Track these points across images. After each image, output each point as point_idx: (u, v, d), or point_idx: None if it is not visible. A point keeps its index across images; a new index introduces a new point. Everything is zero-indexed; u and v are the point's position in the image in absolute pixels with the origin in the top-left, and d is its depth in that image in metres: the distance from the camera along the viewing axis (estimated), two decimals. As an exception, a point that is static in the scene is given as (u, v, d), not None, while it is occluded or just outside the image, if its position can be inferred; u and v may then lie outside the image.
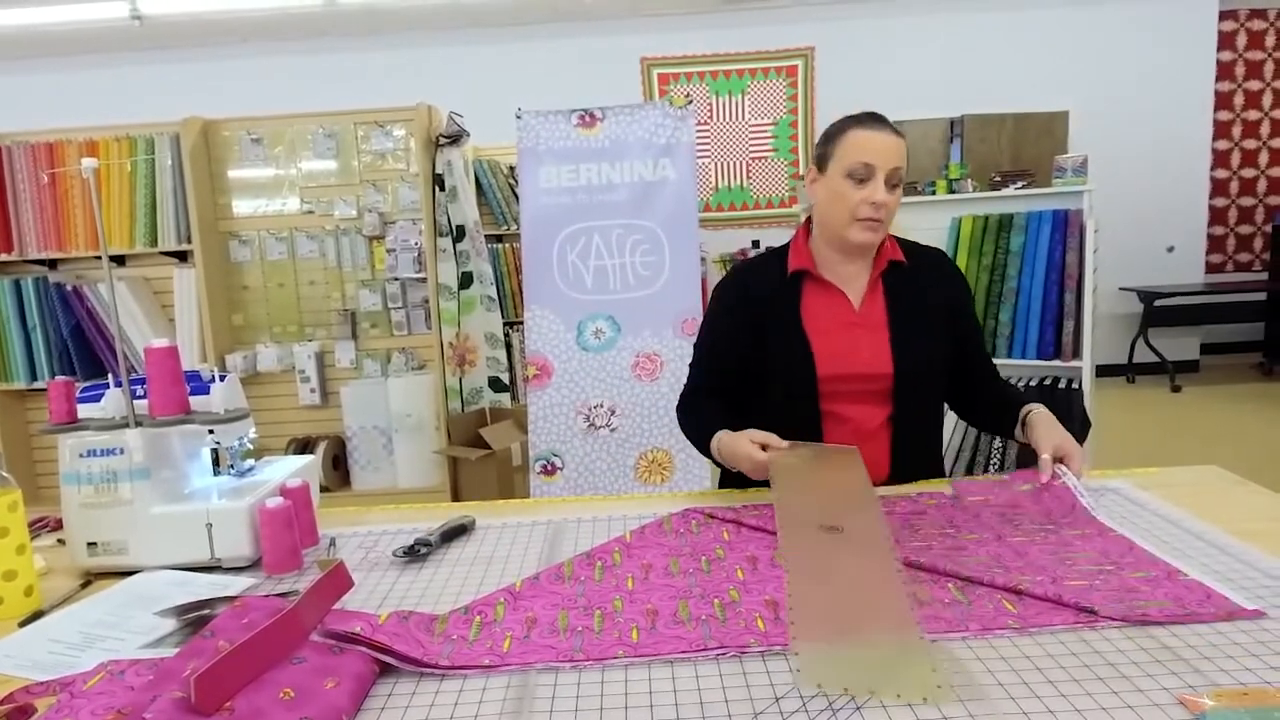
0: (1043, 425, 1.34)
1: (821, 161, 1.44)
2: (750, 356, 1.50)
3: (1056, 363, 3.00)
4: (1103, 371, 5.47)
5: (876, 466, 1.44)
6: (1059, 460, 1.28)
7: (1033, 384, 3.00)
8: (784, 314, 1.47)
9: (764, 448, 1.29)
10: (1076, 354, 2.97)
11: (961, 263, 3.15)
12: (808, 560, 0.94)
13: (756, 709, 0.78)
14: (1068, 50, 5.91)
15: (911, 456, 1.47)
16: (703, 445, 1.44)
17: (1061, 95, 5.77)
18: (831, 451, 1.33)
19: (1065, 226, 2.97)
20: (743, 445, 1.31)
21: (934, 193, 3.34)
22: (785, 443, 1.29)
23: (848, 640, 0.84)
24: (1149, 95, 5.93)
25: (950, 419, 2.76)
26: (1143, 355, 5.90)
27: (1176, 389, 5.66)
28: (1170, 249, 6.15)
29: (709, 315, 1.58)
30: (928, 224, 3.26)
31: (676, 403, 1.60)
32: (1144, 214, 6.00)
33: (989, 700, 0.77)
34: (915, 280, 1.49)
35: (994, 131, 4.02)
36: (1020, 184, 3.24)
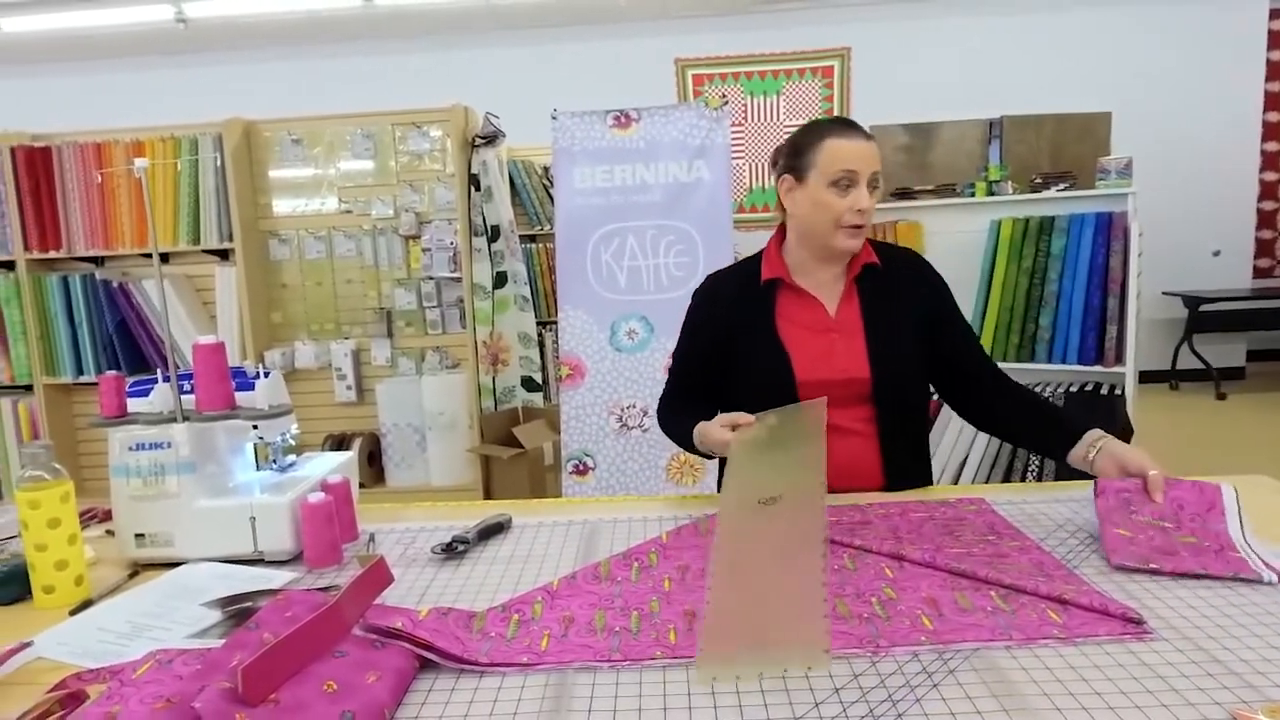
0: (1122, 452, 1.26)
1: (798, 171, 1.43)
2: (726, 365, 1.51)
3: (1098, 368, 2.94)
4: (1145, 378, 5.36)
5: (868, 469, 1.44)
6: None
7: (1073, 390, 2.95)
8: (758, 322, 1.48)
9: (735, 428, 1.29)
10: (1119, 360, 2.91)
11: (1001, 266, 3.10)
12: (734, 553, 0.94)
13: (796, 713, 0.77)
14: (1110, 50, 5.80)
15: (901, 457, 1.46)
16: (685, 441, 1.44)
17: (1104, 95, 5.62)
18: (796, 411, 1.29)
19: (1108, 229, 2.92)
20: (714, 431, 1.30)
21: (973, 195, 3.29)
22: (751, 417, 1.26)
23: (751, 654, 0.85)
24: (1195, 95, 5.79)
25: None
26: (1187, 361, 5.77)
27: (1222, 396, 5.52)
28: (1216, 253, 6.01)
29: (685, 323, 1.59)
30: (966, 227, 3.21)
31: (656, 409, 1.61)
32: (1189, 217, 5.86)
33: (1034, 711, 0.76)
34: (890, 283, 1.49)
35: (1034, 133, 3.95)
36: (1062, 186, 3.19)
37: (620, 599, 1.02)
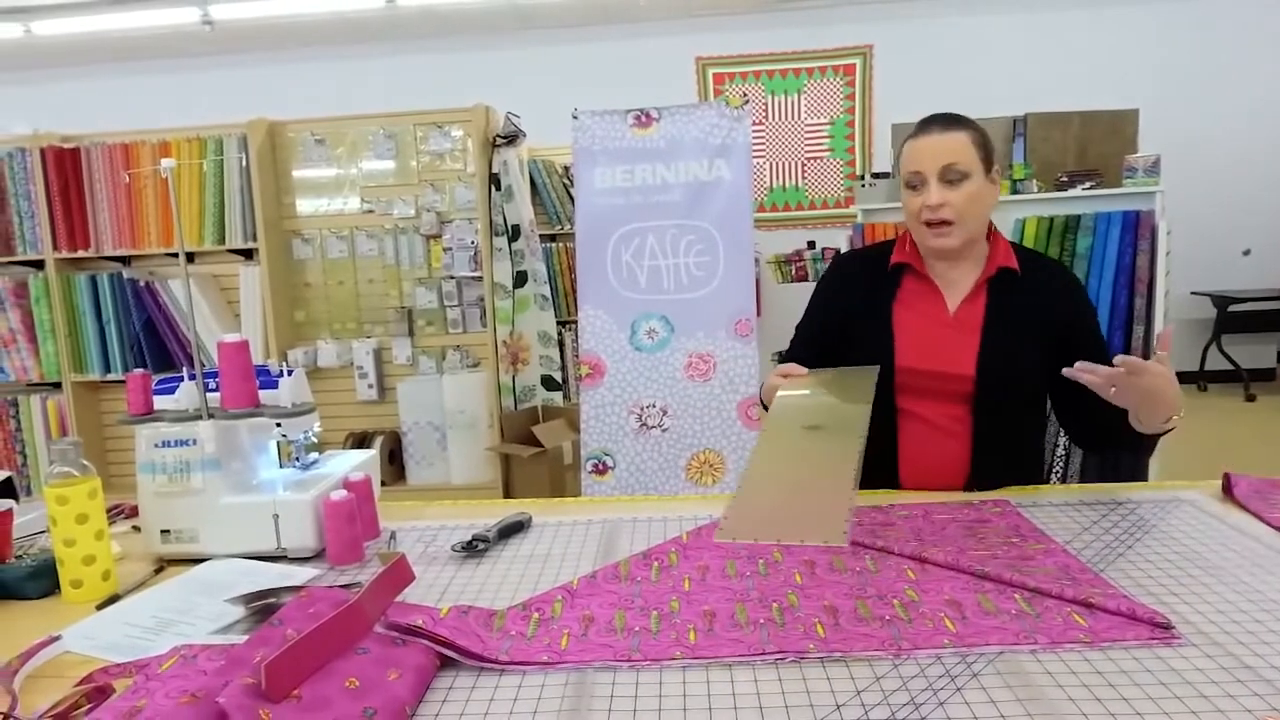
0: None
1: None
2: (842, 344, 1.52)
3: (1124, 369, 2.90)
4: (1171, 379, 5.28)
5: (956, 467, 1.42)
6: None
7: (1098, 390, 2.91)
8: (878, 304, 1.49)
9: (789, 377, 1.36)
10: (1146, 360, 2.87)
11: (1024, 265, 3.06)
12: (774, 449, 1.08)
13: (818, 715, 0.77)
14: (1138, 46, 5.72)
15: (994, 461, 1.42)
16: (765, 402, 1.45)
17: (1131, 92, 5.56)
18: (850, 372, 1.38)
19: (1135, 228, 2.87)
20: (771, 378, 1.37)
21: (996, 193, 3.26)
22: (805, 370, 1.37)
23: (773, 525, 0.91)
24: (1224, 92, 5.70)
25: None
26: (1215, 362, 5.68)
27: (1251, 398, 5.43)
28: (1246, 252, 5.91)
29: (813, 296, 1.62)
30: (989, 225, 3.18)
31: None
32: (1218, 216, 5.77)
33: (1060, 717, 0.75)
34: (1025, 290, 1.44)
35: (1059, 130, 3.90)
36: (1088, 184, 3.14)
37: (640, 599, 1.01)
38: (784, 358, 1.59)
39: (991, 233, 1.49)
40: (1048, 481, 2.86)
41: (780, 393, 1.33)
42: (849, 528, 0.93)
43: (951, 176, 1.36)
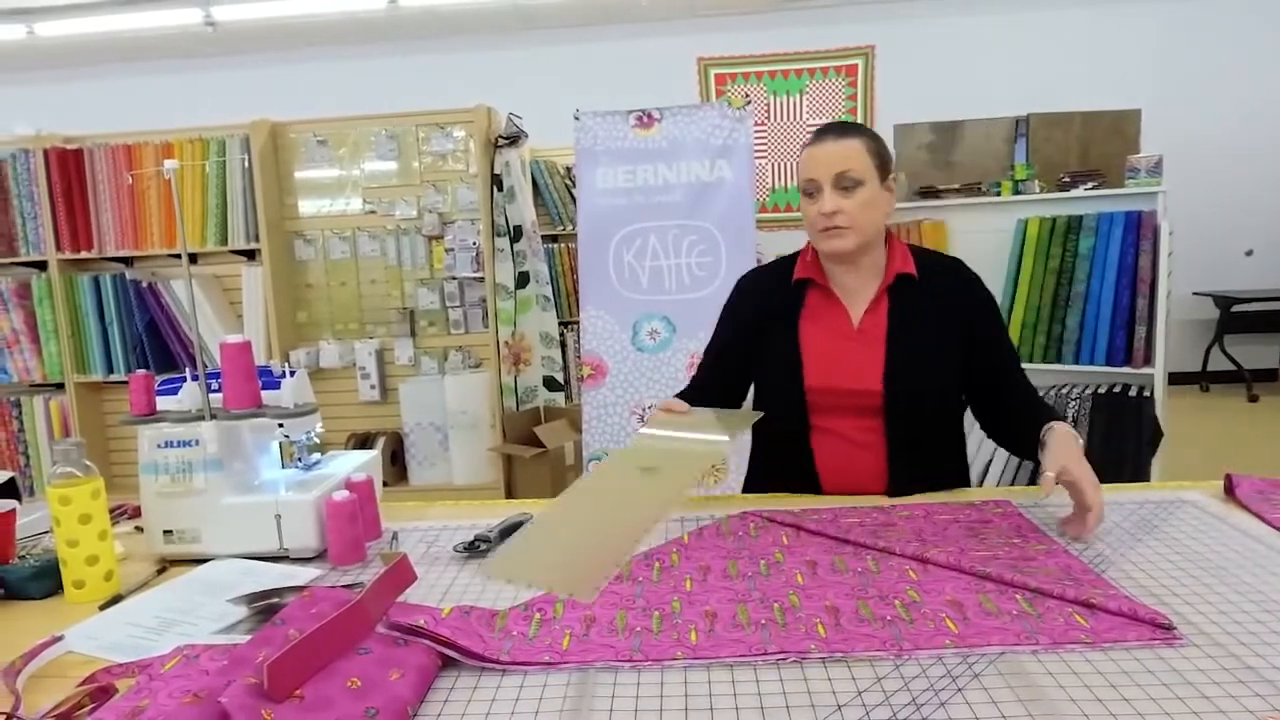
0: (1056, 444, 1.22)
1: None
2: (748, 361, 1.52)
3: (1127, 370, 2.89)
4: (1176, 380, 5.25)
5: (873, 477, 1.41)
6: (1074, 495, 1.17)
7: (1101, 392, 2.91)
8: (784, 323, 1.48)
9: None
10: (1148, 361, 2.86)
11: (1027, 266, 3.06)
12: (587, 488, 1.04)
13: (819, 716, 0.77)
14: (1140, 46, 5.71)
15: (910, 470, 1.40)
16: None
17: (1133, 92, 5.56)
18: (727, 415, 1.37)
19: (1138, 229, 2.87)
20: (654, 414, 1.35)
21: (999, 194, 3.26)
22: (686, 406, 1.37)
23: (535, 568, 0.91)
24: (1227, 92, 5.69)
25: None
26: (1218, 363, 5.67)
27: (1254, 399, 5.42)
28: (1249, 252, 5.90)
29: (720, 318, 1.60)
30: (992, 226, 3.18)
31: None
32: (1221, 216, 5.76)
33: (1061, 717, 0.75)
34: (925, 294, 1.44)
35: (1062, 131, 3.90)
36: (1090, 185, 3.14)
37: (641, 599, 1.02)
38: (694, 379, 1.59)
39: (889, 240, 1.48)
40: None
41: (642, 429, 1.29)
42: (601, 585, 0.91)
43: (845, 184, 1.36)
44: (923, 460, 1.42)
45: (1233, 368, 5.58)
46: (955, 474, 1.49)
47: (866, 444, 1.42)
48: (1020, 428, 1.37)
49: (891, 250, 1.47)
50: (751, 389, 1.58)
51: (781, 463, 1.49)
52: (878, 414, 1.41)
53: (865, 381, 1.41)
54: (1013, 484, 2.96)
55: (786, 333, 1.47)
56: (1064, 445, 1.22)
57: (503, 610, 0.99)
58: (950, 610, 0.95)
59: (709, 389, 1.54)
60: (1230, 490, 1.31)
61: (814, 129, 1.47)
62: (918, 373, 1.41)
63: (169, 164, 1.20)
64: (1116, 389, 2.91)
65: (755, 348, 1.51)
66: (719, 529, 1.25)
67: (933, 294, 1.45)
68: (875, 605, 0.97)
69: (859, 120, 5.95)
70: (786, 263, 1.55)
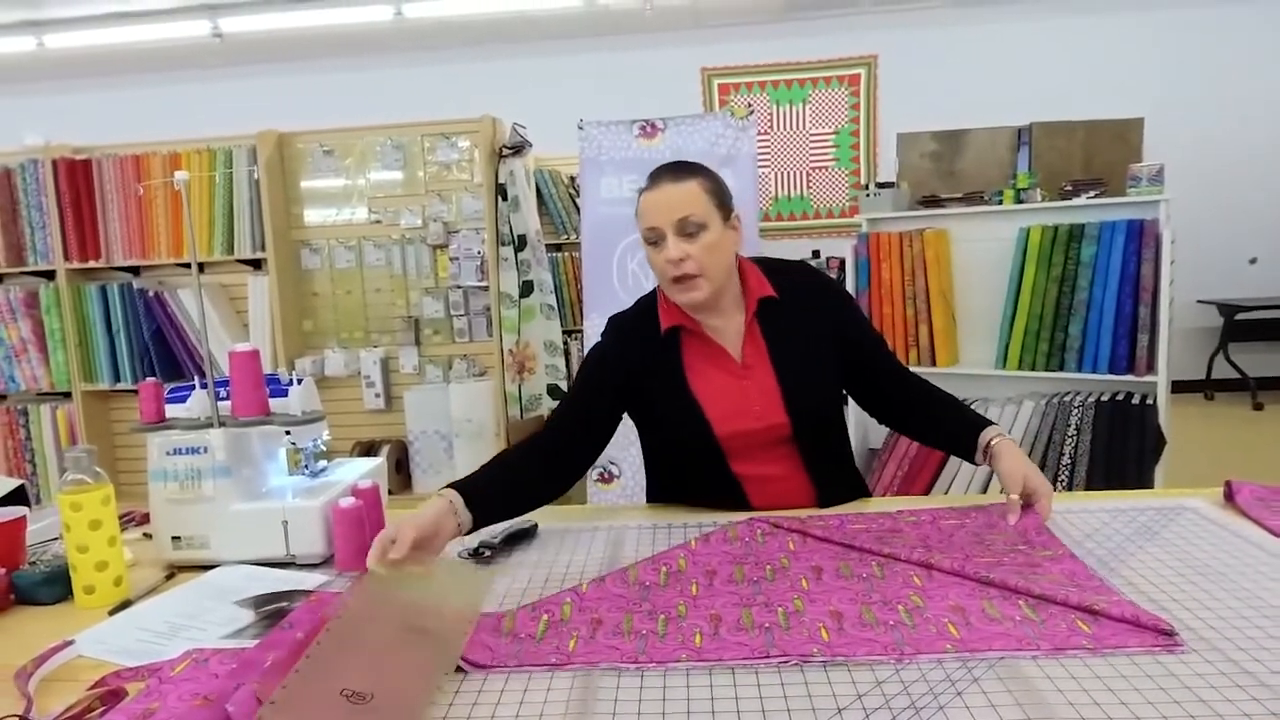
0: (1008, 458, 1.28)
1: None
2: (638, 418, 1.47)
3: (1130, 378, 2.90)
4: (1179, 388, 5.26)
5: (803, 497, 1.41)
6: (1027, 501, 1.25)
7: (1104, 400, 2.91)
8: (667, 376, 1.40)
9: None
10: (1151, 369, 2.86)
11: (1030, 274, 3.06)
12: (356, 631, 0.85)
13: (819, 719, 0.77)
14: (1143, 55, 5.72)
15: (832, 478, 1.43)
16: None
17: (1136, 101, 5.57)
18: (460, 570, 1.15)
19: (1140, 237, 2.88)
20: (386, 530, 1.05)
21: (1000, 203, 3.27)
22: (405, 549, 1.03)
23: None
24: (1230, 100, 5.70)
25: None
26: (1222, 371, 5.66)
27: (1259, 407, 5.41)
28: (1253, 260, 5.89)
29: (582, 375, 1.46)
30: (994, 235, 3.19)
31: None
32: (1225, 224, 5.76)
33: (1060, 720, 0.75)
34: (790, 312, 1.42)
35: (1064, 139, 3.91)
36: (1092, 193, 3.15)
37: (647, 603, 1.03)
38: (544, 430, 1.44)
39: (742, 267, 1.44)
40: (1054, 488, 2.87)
41: (374, 568, 1.02)
42: None
43: (689, 229, 1.31)
44: (840, 468, 1.47)
45: (1237, 376, 5.58)
46: (858, 477, 1.52)
47: (787, 472, 1.41)
48: (949, 426, 1.41)
49: (745, 276, 1.43)
50: (637, 439, 1.51)
51: (704, 486, 1.44)
52: (790, 441, 1.40)
53: (769, 416, 1.38)
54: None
55: (674, 386, 1.39)
56: (1015, 459, 1.28)
57: (511, 611, 1.00)
58: (953, 615, 0.96)
59: (555, 449, 1.40)
60: (1230, 497, 1.31)
61: (652, 171, 1.39)
62: (812, 391, 1.40)
63: (180, 175, 1.21)
64: (1119, 397, 2.92)
65: (634, 406, 1.44)
66: (726, 535, 1.26)
67: (800, 309, 1.42)
68: (879, 610, 0.98)
69: (860, 130, 5.97)
70: (647, 311, 1.45)
